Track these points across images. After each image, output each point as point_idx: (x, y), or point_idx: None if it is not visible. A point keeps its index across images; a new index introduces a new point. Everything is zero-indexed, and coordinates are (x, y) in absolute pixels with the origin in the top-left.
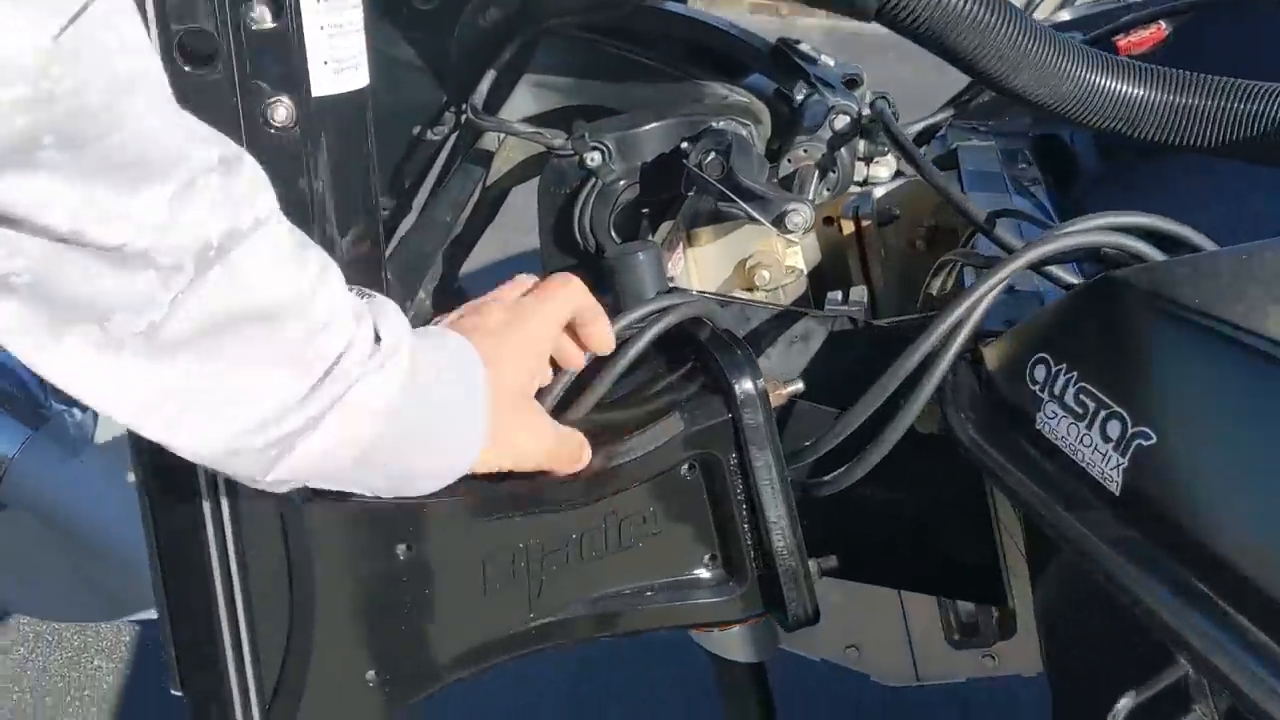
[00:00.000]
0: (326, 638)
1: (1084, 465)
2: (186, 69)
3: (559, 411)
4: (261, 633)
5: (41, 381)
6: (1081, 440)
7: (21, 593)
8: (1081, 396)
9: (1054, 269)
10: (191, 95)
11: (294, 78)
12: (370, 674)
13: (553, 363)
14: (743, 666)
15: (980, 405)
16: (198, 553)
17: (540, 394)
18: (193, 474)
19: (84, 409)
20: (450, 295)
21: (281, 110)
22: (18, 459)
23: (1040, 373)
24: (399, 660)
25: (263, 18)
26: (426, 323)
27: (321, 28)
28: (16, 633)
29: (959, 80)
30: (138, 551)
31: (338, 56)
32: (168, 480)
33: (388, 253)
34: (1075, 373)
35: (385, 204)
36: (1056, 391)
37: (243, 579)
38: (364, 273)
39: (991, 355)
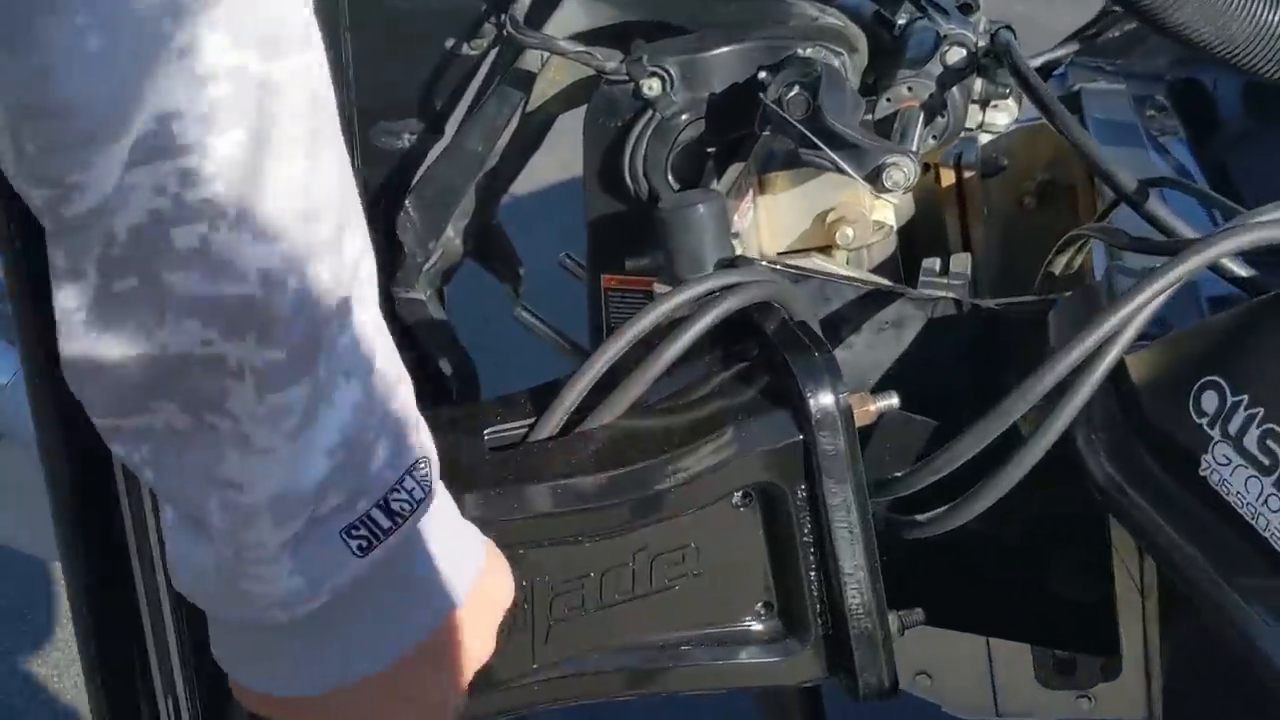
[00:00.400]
0: None
1: (1264, 533)
2: None
3: (579, 415)
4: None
5: None
6: (1265, 500)
7: (19, 530)
8: (1268, 442)
9: (1235, 266)
10: None
11: None
12: None
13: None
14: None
15: (1120, 431)
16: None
17: (555, 396)
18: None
19: None
20: (484, 234)
21: None
22: (11, 386)
23: (1210, 402)
24: None
25: None
26: (454, 265)
27: None
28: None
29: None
30: None
31: None
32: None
33: (413, 182)
34: (1261, 410)
35: (413, 127)
36: (1232, 431)
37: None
38: None
39: (1140, 367)
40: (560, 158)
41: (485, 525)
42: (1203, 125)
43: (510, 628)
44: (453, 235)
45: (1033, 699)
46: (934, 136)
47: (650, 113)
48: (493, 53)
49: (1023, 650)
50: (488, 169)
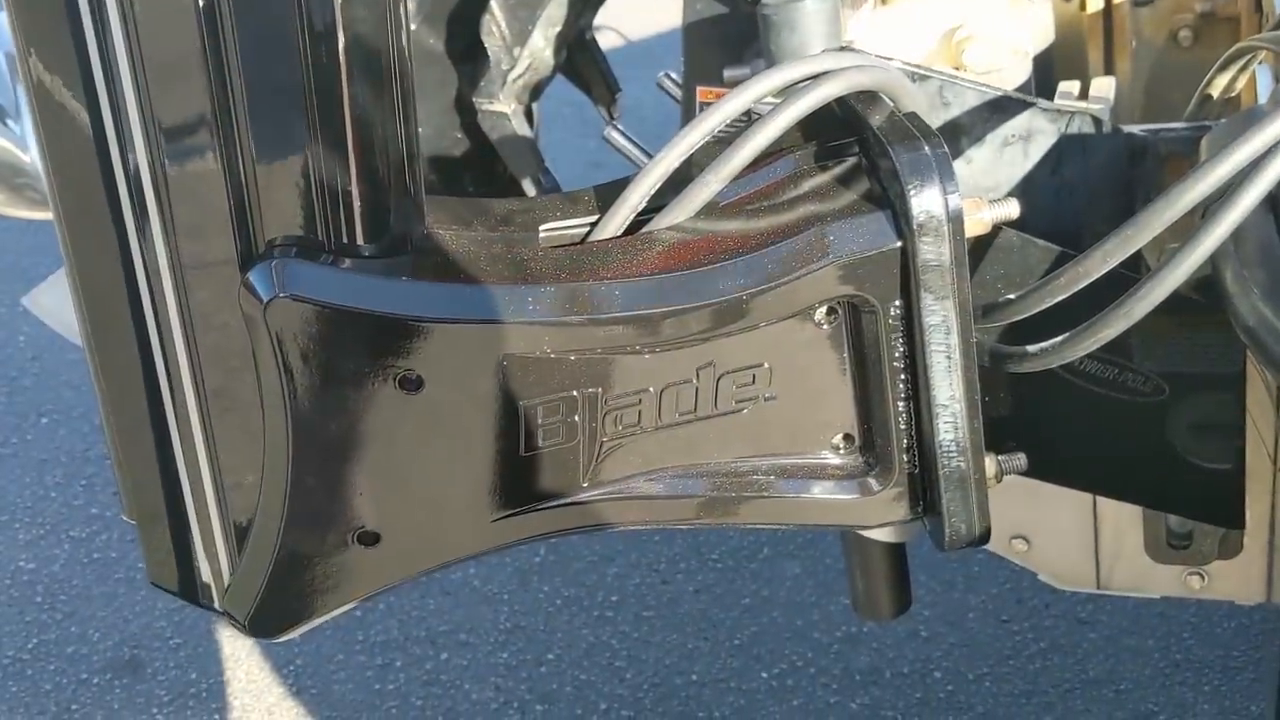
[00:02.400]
0: (303, 480)
1: None
2: None
3: (648, 216)
4: (228, 460)
5: None
6: None
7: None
8: None
9: None
10: None
11: None
12: (362, 533)
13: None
14: (878, 547)
15: (1275, 267)
16: (141, 352)
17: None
18: (126, 251)
19: None
20: (577, 46)
21: None
22: None
23: None
24: (401, 521)
25: None
26: (543, 79)
27: None
28: None
29: None
30: None
31: None
32: (97, 255)
33: None
34: None
35: None
36: None
37: (200, 392)
38: None
39: None
40: None
41: (529, 329)
42: None
43: (559, 441)
44: (541, 44)
45: (1139, 573)
46: None
47: None
48: None
49: (1133, 519)
50: None
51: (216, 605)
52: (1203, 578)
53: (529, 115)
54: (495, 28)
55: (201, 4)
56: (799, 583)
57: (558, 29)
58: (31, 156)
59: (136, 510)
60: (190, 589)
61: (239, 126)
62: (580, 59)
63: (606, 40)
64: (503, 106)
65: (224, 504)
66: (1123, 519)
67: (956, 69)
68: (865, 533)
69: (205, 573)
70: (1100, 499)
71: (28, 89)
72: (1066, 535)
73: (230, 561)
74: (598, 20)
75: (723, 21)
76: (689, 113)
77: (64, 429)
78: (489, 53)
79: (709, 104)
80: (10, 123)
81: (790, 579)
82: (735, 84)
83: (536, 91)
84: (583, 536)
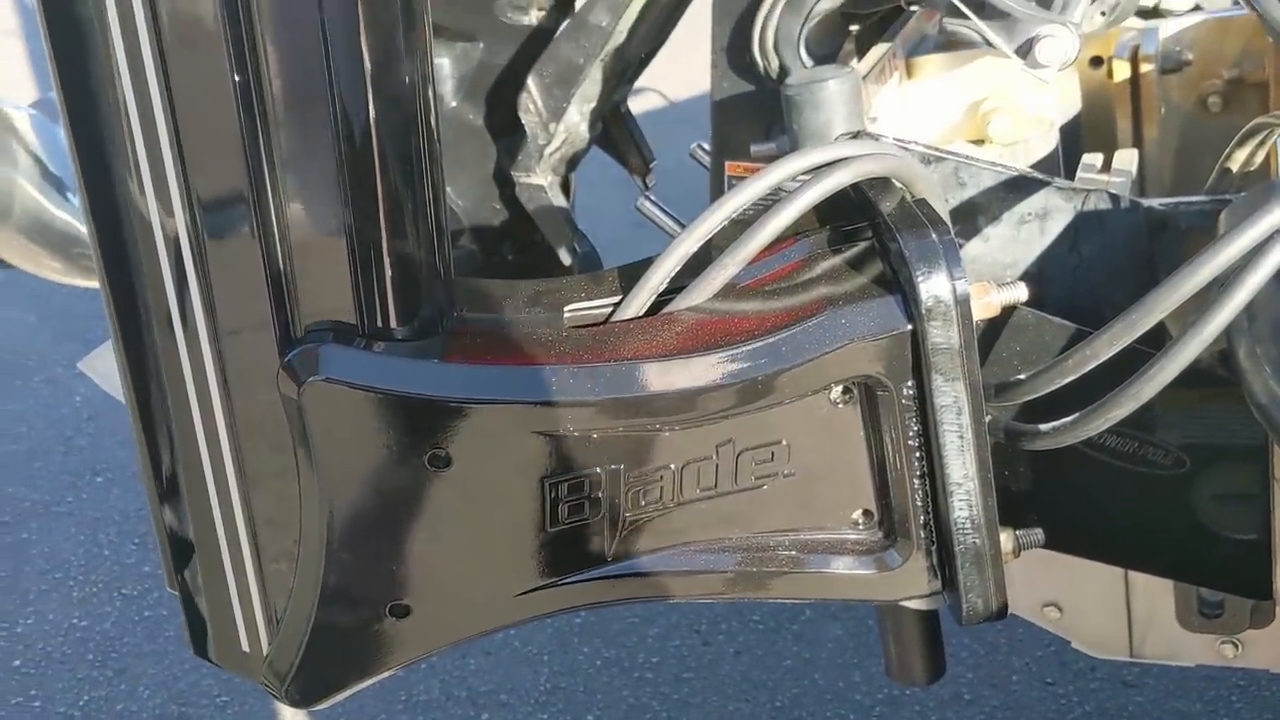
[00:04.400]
0: (338, 555)
1: None
2: None
3: (669, 296)
4: (268, 536)
5: None
6: None
7: None
8: None
9: None
10: None
11: None
12: (396, 607)
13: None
14: (910, 614)
15: None
16: (186, 432)
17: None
18: (172, 337)
19: None
20: (611, 119)
21: None
22: None
23: None
24: (432, 595)
25: None
26: (578, 152)
27: None
28: None
29: None
30: None
31: None
32: (146, 339)
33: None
34: None
35: (542, 3)
36: None
37: (239, 470)
38: (391, 68)
39: None
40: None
41: (554, 409)
42: None
43: (584, 518)
44: (576, 119)
45: (1172, 642)
46: (1102, 13)
47: None
48: None
49: (1165, 587)
50: (613, 47)
51: (256, 675)
52: (1236, 646)
53: (565, 186)
54: (532, 104)
55: (239, 84)
56: (840, 645)
57: (592, 104)
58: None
59: (178, 582)
60: (230, 659)
61: (276, 211)
62: (615, 131)
63: (648, 102)
64: (539, 179)
65: (262, 577)
66: (1154, 587)
67: (982, 141)
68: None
69: (244, 643)
70: None
71: (74, 164)
72: (1099, 603)
73: (268, 632)
74: (640, 83)
75: (750, 98)
76: (717, 186)
77: (118, 488)
78: (526, 128)
79: (736, 177)
80: (70, 195)
81: (832, 641)
82: (761, 159)
83: (572, 164)
84: None
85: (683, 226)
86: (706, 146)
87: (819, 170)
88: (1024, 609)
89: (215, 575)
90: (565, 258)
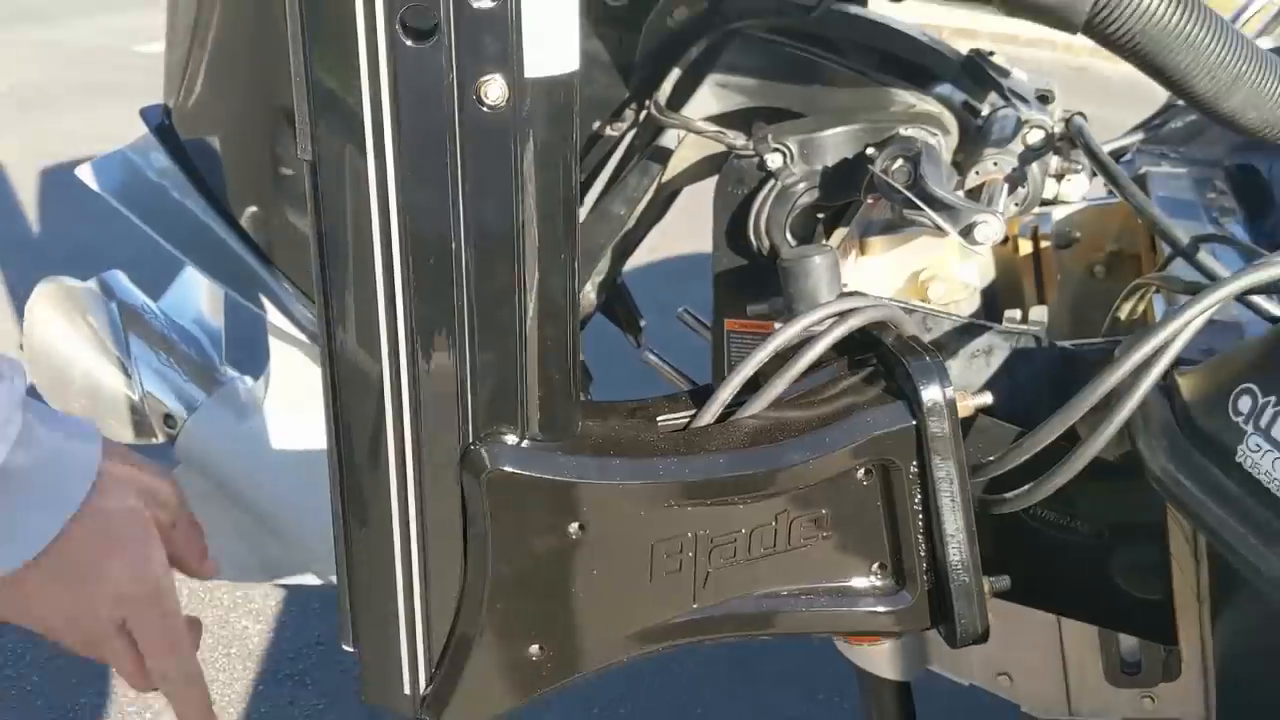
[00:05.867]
0: (495, 606)
1: None
2: (408, 43)
3: (731, 410)
4: (434, 594)
5: (218, 347)
6: None
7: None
8: None
9: (1259, 299)
10: (410, 70)
11: (508, 57)
12: (534, 647)
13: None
14: (889, 684)
15: (1173, 433)
16: (381, 515)
17: (710, 397)
18: (381, 442)
19: (256, 377)
20: (613, 290)
21: (495, 88)
22: (191, 420)
23: (1245, 404)
24: (563, 637)
25: None
26: (587, 317)
27: (537, 9)
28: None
29: (1127, 113)
30: (297, 516)
31: (551, 39)
32: (357, 447)
33: None
34: None
35: None
36: (1263, 423)
37: (421, 543)
38: (553, 253)
39: (1188, 384)
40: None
41: (662, 488)
42: (1258, 206)
43: (677, 572)
44: (589, 290)
45: (1102, 698)
46: (1015, 204)
47: (773, 182)
48: (630, 134)
49: (1093, 649)
50: (624, 231)
51: (418, 711)
52: (1153, 700)
53: None
54: None
55: (455, 252)
56: None
57: (602, 278)
58: (137, 393)
59: (360, 637)
60: (397, 700)
61: (470, 348)
62: (614, 299)
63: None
64: None
65: (429, 631)
66: (1085, 652)
67: (924, 302)
68: (878, 670)
69: (408, 686)
70: (1064, 637)
71: (319, 310)
72: (1040, 669)
73: (426, 674)
74: None
75: (745, 270)
76: (719, 339)
77: None
78: None
79: (735, 332)
80: (127, 362)
81: None
82: (758, 317)
83: (581, 326)
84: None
85: (679, 373)
86: (690, 310)
87: (838, 316)
88: (982, 679)
89: (391, 630)
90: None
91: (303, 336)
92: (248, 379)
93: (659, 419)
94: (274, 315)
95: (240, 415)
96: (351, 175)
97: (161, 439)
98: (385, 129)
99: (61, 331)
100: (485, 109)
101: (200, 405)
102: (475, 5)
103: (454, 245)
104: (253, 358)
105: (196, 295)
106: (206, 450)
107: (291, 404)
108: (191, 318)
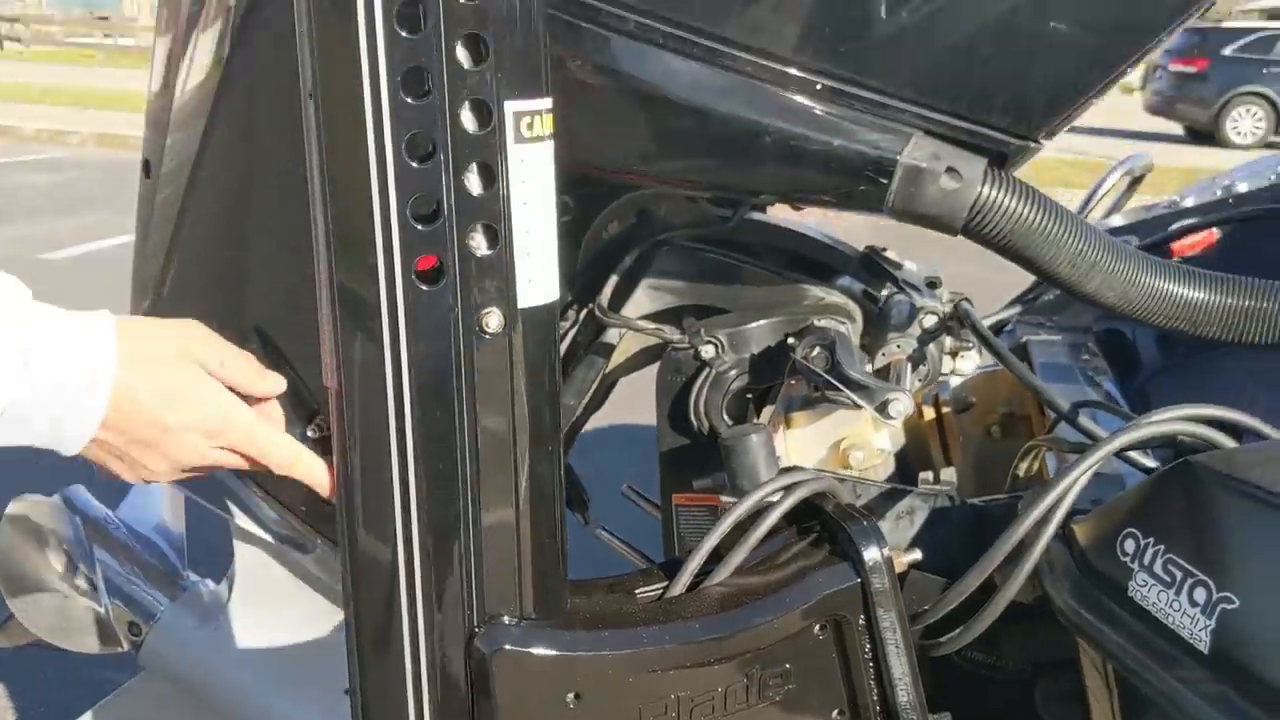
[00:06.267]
0: None
1: (1175, 628)
2: (422, 288)
3: (699, 579)
4: None
5: (179, 552)
6: (1171, 605)
7: None
8: (1169, 566)
9: (1135, 454)
10: (422, 308)
11: (505, 293)
12: None
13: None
14: None
15: (1074, 575)
16: (398, 698)
17: (680, 568)
18: (395, 631)
19: (218, 580)
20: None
21: (494, 319)
22: (156, 627)
23: (1130, 546)
24: None
25: (481, 246)
26: None
27: (528, 253)
28: None
29: (1000, 271)
30: (263, 717)
31: (537, 276)
32: (373, 636)
33: None
34: (1162, 545)
35: None
36: (1146, 562)
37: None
38: (542, 447)
39: (1082, 531)
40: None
41: (644, 654)
42: (1126, 367)
43: None
44: None
45: None
46: (919, 380)
47: (708, 370)
48: (572, 332)
49: None
50: (572, 419)
51: None
52: None
53: None
54: None
55: (460, 463)
56: None
57: None
58: (103, 605)
59: None
60: None
61: (475, 541)
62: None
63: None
64: None
65: None
66: None
67: (846, 468)
68: None
69: None
70: None
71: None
72: None
73: None
74: None
75: (689, 449)
76: (667, 513)
77: None
78: None
79: (681, 506)
80: (90, 577)
81: None
82: (703, 491)
83: None
84: None
85: (631, 548)
86: (634, 487)
87: (785, 489)
88: None
89: None
90: None
91: (267, 536)
92: (209, 582)
93: (636, 592)
94: (239, 517)
95: (203, 619)
96: (373, 400)
97: (127, 647)
98: (402, 359)
99: (30, 555)
100: (487, 336)
101: (162, 612)
102: (477, 254)
103: (459, 453)
104: (214, 558)
105: (157, 500)
106: (171, 656)
107: (257, 604)
108: (152, 525)
